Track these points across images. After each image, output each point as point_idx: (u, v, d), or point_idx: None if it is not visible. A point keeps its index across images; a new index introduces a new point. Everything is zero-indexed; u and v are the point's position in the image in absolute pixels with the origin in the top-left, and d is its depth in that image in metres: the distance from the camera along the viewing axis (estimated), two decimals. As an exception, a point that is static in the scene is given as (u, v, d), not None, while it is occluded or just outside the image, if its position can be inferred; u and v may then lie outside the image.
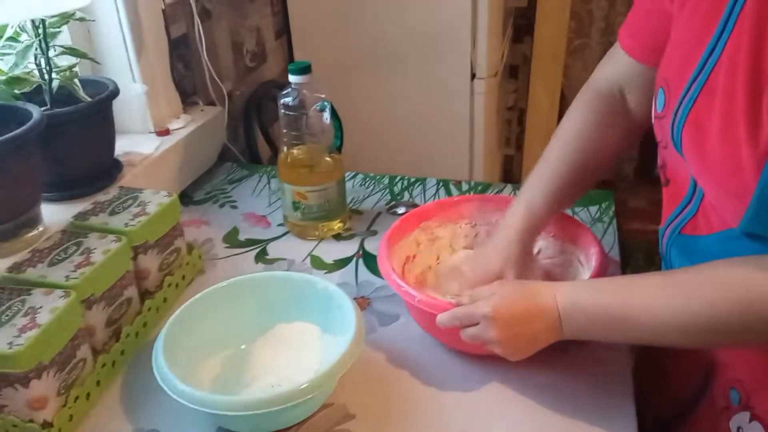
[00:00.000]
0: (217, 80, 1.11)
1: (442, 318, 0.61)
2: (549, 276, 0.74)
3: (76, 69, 0.85)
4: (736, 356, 0.58)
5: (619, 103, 0.69)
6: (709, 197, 0.54)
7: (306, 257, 0.86)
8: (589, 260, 0.70)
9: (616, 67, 0.69)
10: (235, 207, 0.98)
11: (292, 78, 0.83)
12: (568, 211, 0.91)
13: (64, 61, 0.84)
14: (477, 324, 0.59)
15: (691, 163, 0.54)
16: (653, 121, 0.61)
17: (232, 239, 0.90)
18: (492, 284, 0.62)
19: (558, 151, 0.70)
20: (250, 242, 0.89)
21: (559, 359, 0.66)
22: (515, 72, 1.85)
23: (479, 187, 1.01)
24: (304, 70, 0.82)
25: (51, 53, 0.81)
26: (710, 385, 0.61)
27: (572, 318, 0.56)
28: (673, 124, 0.55)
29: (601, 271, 0.67)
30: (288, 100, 0.83)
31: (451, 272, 0.74)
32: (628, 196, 1.87)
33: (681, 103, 0.54)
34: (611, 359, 0.66)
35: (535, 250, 0.76)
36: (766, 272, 0.48)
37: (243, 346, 0.68)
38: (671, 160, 0.59)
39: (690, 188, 0.57)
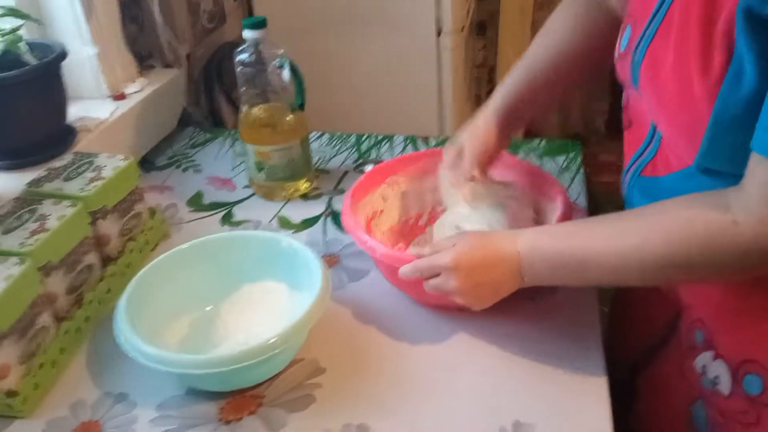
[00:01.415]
0: (173, 42, 1.07)
1: (404, 270, 0.61)
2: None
3: (21, 32, 0.81)
4: (699, 297, 0.59)
5: (604, 5, 0.69)
6: (665, 135, 0.54)
7: (273, 218, 0.84)
8: (555, 209, 0.71)
9: None
10: (198, 171, 0.96)
11: (246, 33, 0.80)
12: (536, 161, 0.92)
13: (8, 23, 0.80)
14: (439, 275, 0.59)
15: (647, 100, 0.54)
16: (616, 61, 0.60)
17: (196, 203, 0.88)
18: (453, 235, 0.62)
19: (537, 46, 0.70)
20: (215, 205, 0.87)
21: (528, 308, 0.67)
22: (483, 29, 1.83)
23: (446, 142, 1.00)
24: (259, 24, 0.79)
25: (-8, 15, 0.78)
26: (677, 326, 0.62)
27: (533, 263, 0.56)
28: (633, 61, 0.55)
29: (566, 219, 0.67)
30: (244, 56, 0.81)
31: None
32: (599, 149, 1.88)
33: (641, 39, 0.54)
34: (579, 305, 0.67)
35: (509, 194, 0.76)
36: (723, 208, 0.48)
37: (209, 308, 0.67)
38: (633, 100, 0.59)
39: (650, 129, 0.57)
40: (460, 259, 0.57)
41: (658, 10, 0.53)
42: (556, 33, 0.70)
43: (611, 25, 0.67)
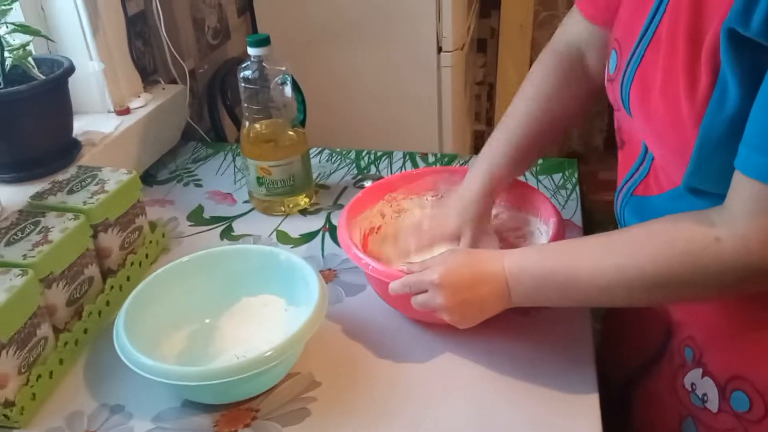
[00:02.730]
0: (178, 58, 1.09)
1: (393, 285, 0.62)
2: (511, 248, 0.75)
3: (30, 47, 0.83)
4: (690, 314, 0.60)
5: (578, 64, 0.70)
6: (656, 155, 0.55)
7: (272, 233, 0.85)
8: (549, 230, 0.71)
9: (574, 29, 0.70)
10: (199, 185, 0.97)
11: (251, 50, 0.82)
12: (532, 180, 0.93)
13: (17, 39, 0.82)
14: (426, 291, 0.59)
15: (638, 122, 0.55)
16: (606, 84, 0.62)
17: (196, 217, 0.89)
18: (442, 253, 0.63)
19: (518, 113, 0.70)
20: (216, 219, 0.89)
21: (521, 323, 0.67)
22: (484, 46, 1.85)
23: (446, 159, 1.02)
24: (263, 42, 0.81)
25: (2, 31, 0.79)
26: (669, 343, 0.62)
27: (520, 283, 0.57)
28: (622, 84, 0.56)
29: (558, 239, 0.67)
30: (248, 73, 0.82)
31: (411, 229, 0.75)
32: (598, 167, 1.89)
33: (630, 62, 0.55)
34: (572, 321, 0.67)
35: (493, 213, 0.77)
36: (706, 225, 0.48)
37: (208, 320, 0.68)
38: (624, 122, 0.60)
39: (642, 149, 0.58)
40: (447, 276, 0.58)
41: (644, 33, 0.54)
42: (532, 104, 0.70)
43: (589, 87, 0.70)
